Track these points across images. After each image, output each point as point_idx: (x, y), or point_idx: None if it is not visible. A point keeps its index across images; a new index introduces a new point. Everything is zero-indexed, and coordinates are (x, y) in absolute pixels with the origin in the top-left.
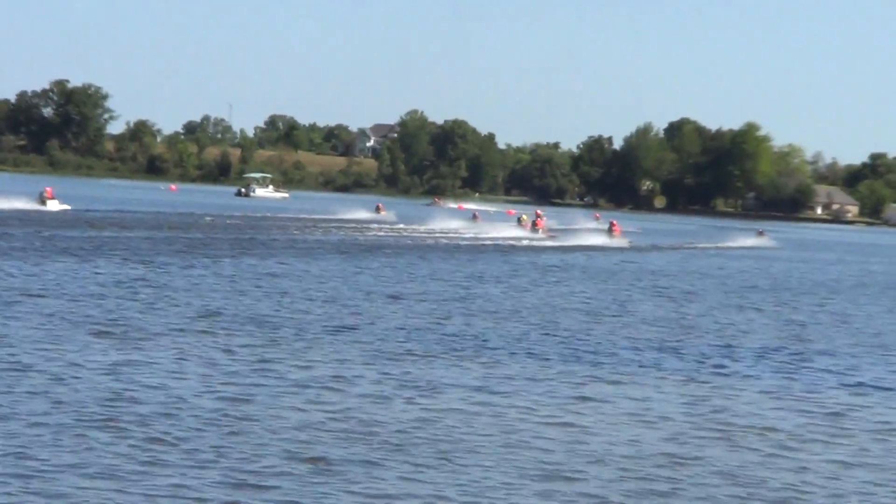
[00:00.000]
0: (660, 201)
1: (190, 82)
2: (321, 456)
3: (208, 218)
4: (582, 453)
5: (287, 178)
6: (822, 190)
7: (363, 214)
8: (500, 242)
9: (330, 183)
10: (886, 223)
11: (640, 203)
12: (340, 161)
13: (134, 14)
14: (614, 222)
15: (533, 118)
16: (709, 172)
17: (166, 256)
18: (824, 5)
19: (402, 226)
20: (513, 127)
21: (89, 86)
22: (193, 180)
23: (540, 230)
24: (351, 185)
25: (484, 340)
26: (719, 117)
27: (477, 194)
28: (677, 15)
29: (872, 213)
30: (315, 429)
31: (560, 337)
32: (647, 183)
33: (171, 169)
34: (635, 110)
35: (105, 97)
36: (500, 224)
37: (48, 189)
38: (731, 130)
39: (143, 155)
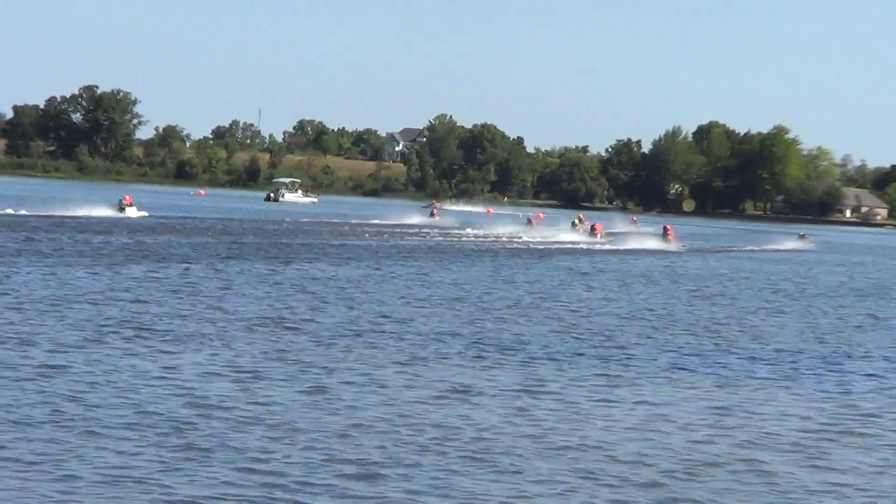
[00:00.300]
0: (688, 205)
1: (219, 87)
2: (361, 460)
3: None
4: (626, 460)
5: (316, 183)
6: (850, 193)
7: (416, 219)
8: (563, 247)
9: (359, 187)
10: None
11: (669, 206)
12: (369, 165)
13: (163, 19)
14: (668, 226)
15: (562, 122)
16: (737, 175)
17: (261, 260)
18: (853, 6)
19: (459, 231)
20: (542, 131)
21: (118, 91)
22: (222, 185)
23: (599, 234)
24: (380, 189)
25: (567, 343)
26: (748, 120)
27: (506, 198)
28: (706, 17)
29: None
30: (355, 433)
31: (638, 342)
32: (676, 186)
33: (199, 174)
34: (664, 114)
35: (134, 102)
36: (555, 228)
37: (127, 197)
38: (759, 133)
39: (171, 160)
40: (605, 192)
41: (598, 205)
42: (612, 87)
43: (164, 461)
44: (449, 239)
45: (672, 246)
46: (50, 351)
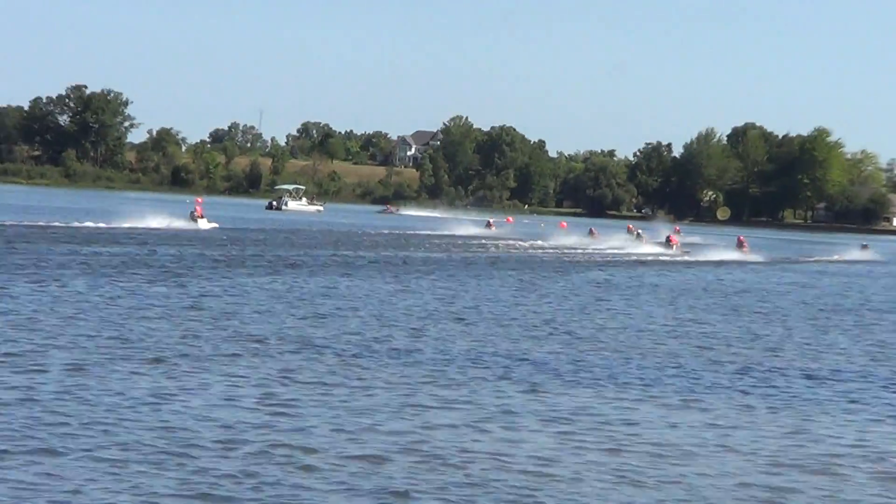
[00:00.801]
0: (723, 213)
1: (217, 87)
2: (392, 489)
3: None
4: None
5: (322, 190)
6: None
7: (473, 230)
8: (644, 259)
9: (368, 195)
10: None
11: (702, 214)
12: (379, 171)
13: (157, 14)
14: (742, 237)
15: (586, 124)
16: (776, 181)
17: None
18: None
19: (521, 243)
20: (565, 134)
21: (108, 91)
22: (221, 192)
23: (675, 246)
24: (391, 196)
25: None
26: (787, 122)
27: (526, 206)
28: (741, 13)
29: None
30: (382, 459)
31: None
32: (710, 193)
33: (196, 181)
34: (696, 115)
35: (125, 104)
36: (614, 238)
37: (198, 207)
38: (799, 136)
39: (166, 166)
40: (634, 200)
41: (625, 213)
42: (641, 86)
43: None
44: (531, 251)
45: (750, 257)
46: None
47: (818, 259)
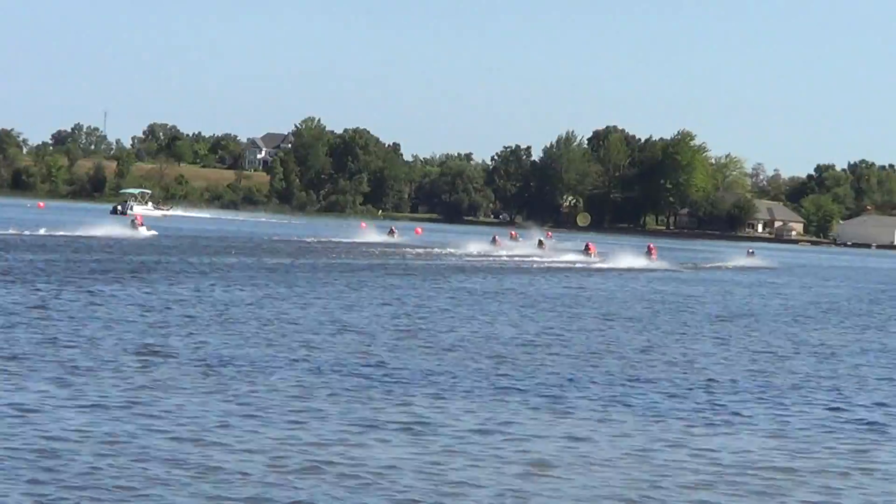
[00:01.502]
0: (583, 219)
1: (59, 87)
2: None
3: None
4: None
5: (169, 194)
6: (763, 205)
7: (375, 237)
8: (564, 266)
9: (217, 199)
10: (834, 242)
11: (562, 220)
12: (228, 175)
13: None
14: (651, 245)
15: (442, 127)
16: (638, 186)
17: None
18: (759, 3)
19: (432, 250)
20: (420, 137)
21: None
22: (64, 196)
23: (592, 254)
24: (240, 201)
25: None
26: (649, 125)
27: (380, 211)
28: (601, 13)
29: (818, 230)
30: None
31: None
32: (570, 198)
33: (38, 184)
34: (556, 118)
35: None
36: (523, 247)
37: (139, 216)
38: (662, 140)
39: (6, 169)
40: (491, 205)
41: (482, 219)
42: (499, 87)
43: None
44: (430, 259)
45: (656, 264)
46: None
47: (709, 265)
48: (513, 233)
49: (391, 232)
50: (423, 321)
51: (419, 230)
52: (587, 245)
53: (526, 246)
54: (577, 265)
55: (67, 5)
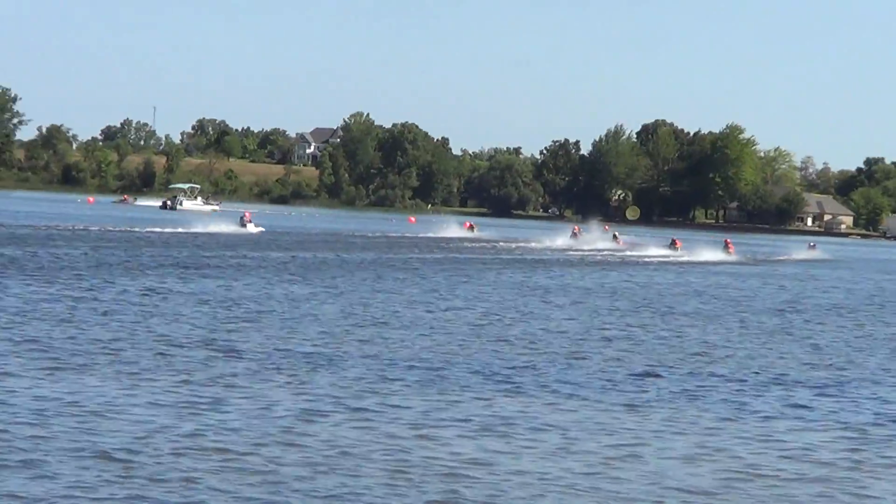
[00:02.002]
0: (632, 212)
1: (109, 83)
2: None
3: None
4: None
5: (218, 189)
6: (812, 199)
7: (456, 232)
8: (657, 260)
9: (266, 194)
10: (884, 235)
11: (611, 214)
12: (277, 170)
13: (46, 9)
14: (728, 240)
15: (491, 121)
16: (687, 180)
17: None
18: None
19: (519, 244)
20: (469, 131)
21: None
22: (114, 191)
23: (678, 248)
24: (289, 195)
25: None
26: (698, 119)
27: (429, 206)
28: (651, 5)
29: (868, 224)
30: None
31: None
32: (619, 192)
33: (88, 179)
34: (605, 112)
35: (14, 100)
36: (600, 240)
37: (247, 213)
38: (711, 133)
39: (56, 164)
40: (540, 199)
41: (531, 213)
42: (548, 82)
43: None
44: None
45: (733, 257)
46: None
47: (778, 258)
48: (576, 228)
49: (468, 226)
50: (532, 317)
51: (468, 224)
52: (673, 240)
53: (603, 240)
54: (666, 259)
55: (117, 7)
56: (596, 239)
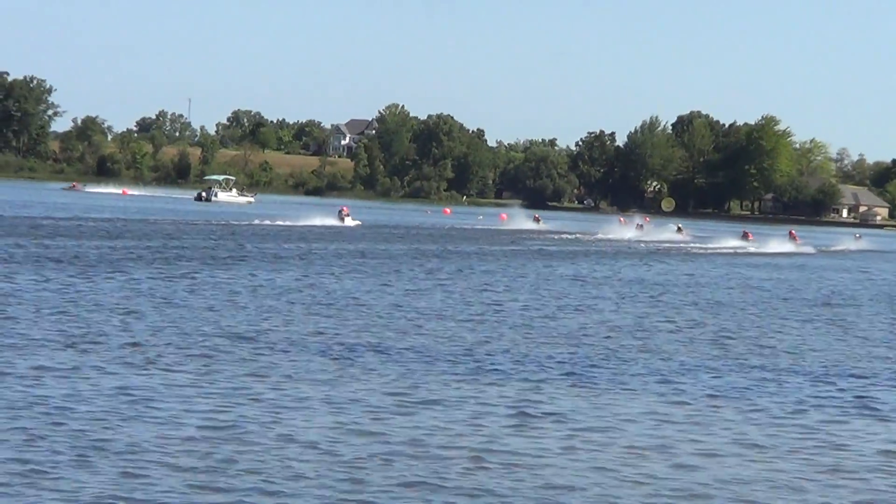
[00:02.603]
0: (667, 203)
1: (144, 74)
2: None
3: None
4: None
5: (253, 181)
6: (847, 190)
7: (524, 225)
8: (728, 252)
9: (301, 185)
10: None
11: (646, 206)
12: (312, 161)
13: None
14: (793, 231)
15: (526, 112)
16: (722, 171)
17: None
18: None
19: (583, 236)
20: (504, 122)
21: (31, 79)
22: (149, 183)
23: (750, 240)
24: (324, 187)
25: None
26: (733, 110)
27: (465, 197)
28: None
29: None
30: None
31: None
32: (654, 184)
33: (123, 170)
34: (640, 103)
35: (49, 91)
36: (663, 232)
37: (345, 207)
38: (746, 125)
39: (91, 155)
40: (576, 191)
41: (567, 204)
42: (583, 73)
43: None
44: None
45: (800, 248)
46: None
47: (836, 249)
48: (646, 218)
49: (536, 219)
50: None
51: (504, 216)
52: (745, 233)
53: (666, 231)
54: (740, 251)
55: None
56: (661, 231)
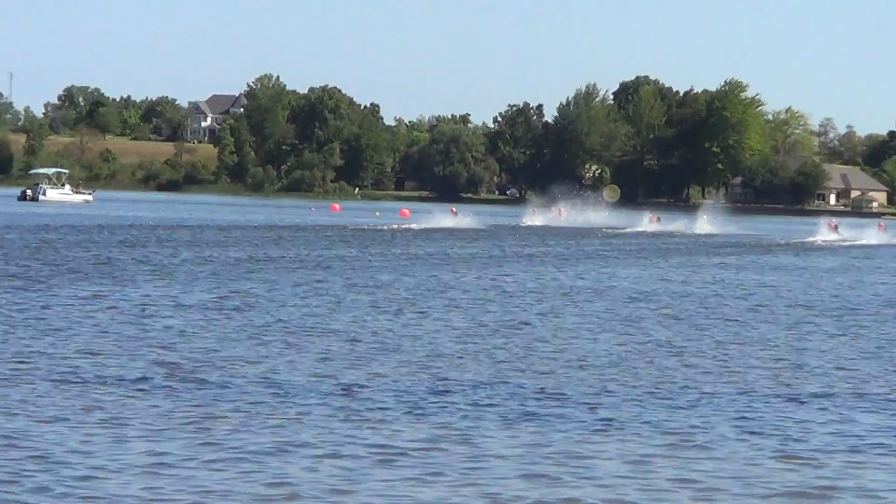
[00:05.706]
0: (611, 192)
1: None
2: None
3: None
4: None
5: (92, 174)
6: (835, 171)
7: (539, 220)
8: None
9: (152, 179)
10: None
11: (584, 195)
12: (166, 148)
13: None
14: (832, 222)
15: (431, 83)
16: (678, 151)
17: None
18: None
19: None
20: (404, 96)
21: None
22: None
23: (835, 232)
24: (181, 180)
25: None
26: (689, 75)
27: (357, 190)
28: None
29: None
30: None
31: None
32: (593, 167)
33: None
34: (572, 69)
35: None
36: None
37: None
38: (706, 92)
39: None
40: (496, 178)
41: (485, 195)
42: (500, 32)
43: None
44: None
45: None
46: None
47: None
48: (656, 217)
49: (561, 213)
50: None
51: (406, 212)
52: (830, 224)
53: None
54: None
55: None
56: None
